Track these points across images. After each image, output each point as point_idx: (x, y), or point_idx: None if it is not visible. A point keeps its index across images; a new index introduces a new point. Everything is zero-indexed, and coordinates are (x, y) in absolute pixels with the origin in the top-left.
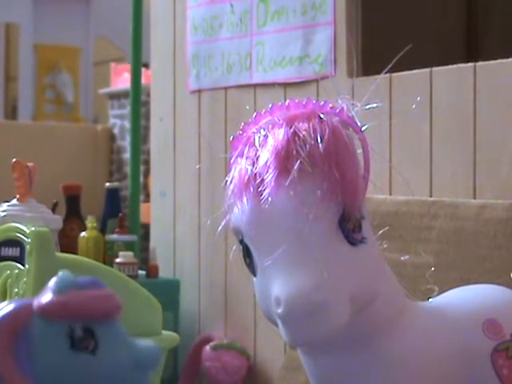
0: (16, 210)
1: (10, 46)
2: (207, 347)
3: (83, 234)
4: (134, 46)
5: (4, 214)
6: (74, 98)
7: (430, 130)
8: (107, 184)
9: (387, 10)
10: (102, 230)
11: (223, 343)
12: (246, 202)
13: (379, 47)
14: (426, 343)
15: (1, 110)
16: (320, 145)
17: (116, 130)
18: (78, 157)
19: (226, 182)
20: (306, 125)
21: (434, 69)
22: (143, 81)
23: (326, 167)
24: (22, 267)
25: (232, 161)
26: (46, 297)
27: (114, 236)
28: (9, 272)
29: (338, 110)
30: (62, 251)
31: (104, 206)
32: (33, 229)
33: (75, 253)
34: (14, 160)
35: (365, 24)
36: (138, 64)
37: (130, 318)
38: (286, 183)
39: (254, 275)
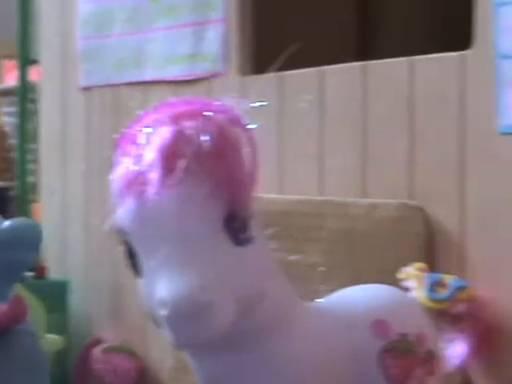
0: None
1: None
2: (97, 349)
3: None
4: (21, 41)
5: None
6: None
7: (321, 130)
8: None
9: (280, 8)
10: None
11: (113, 345)
12: (130, 202)
13: (272, 46)
14: (315, 344)
15: None
16: (206, 143)
17: (8, 128)
18: None
19: (112, 180)
20: (192, 123)
21: (325, 67)
22: (35, 78)
23: (212, 166)
24: None
25: (117, 159)
26: None
27: None
28: None
29: (225, 108)
30: None
31: None
32: None
33: None
34: None
35: (257, 22)
36: (26, 60)
37: None
38: (171, 182)
39: (139, 276)
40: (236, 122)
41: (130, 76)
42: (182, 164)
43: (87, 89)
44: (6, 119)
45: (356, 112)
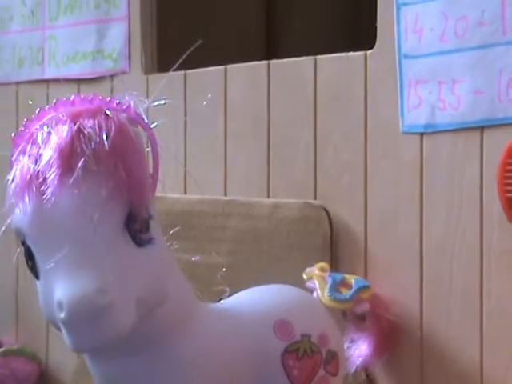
0: None
1: None
2: None
3: None
4: None
5: None
6: None
7: (225, 129)
8: None
9: (185, 7)
10: None
11: (12, 349)
12: (27, 202)
13: (177, 44)
14: (216, 345)
15: None
16: (105, 142)
17: None
18: None
19: (8, 180)
20: (91, 121)
21: (229, 66)
22: None
23: (111, 165)
24: None
25: (14, 158)
26: None
27: None
28: None
29: (126, 107)
30: None
31: None
32: None
33: None
34: None
35: (161, 20)
36: None
37: None
38: (70, 182)
39: (37, 278)
40: (137, 120)
41: (32, 73)
42: (80, 163)
43: None
44: None
45: (261, 111)
